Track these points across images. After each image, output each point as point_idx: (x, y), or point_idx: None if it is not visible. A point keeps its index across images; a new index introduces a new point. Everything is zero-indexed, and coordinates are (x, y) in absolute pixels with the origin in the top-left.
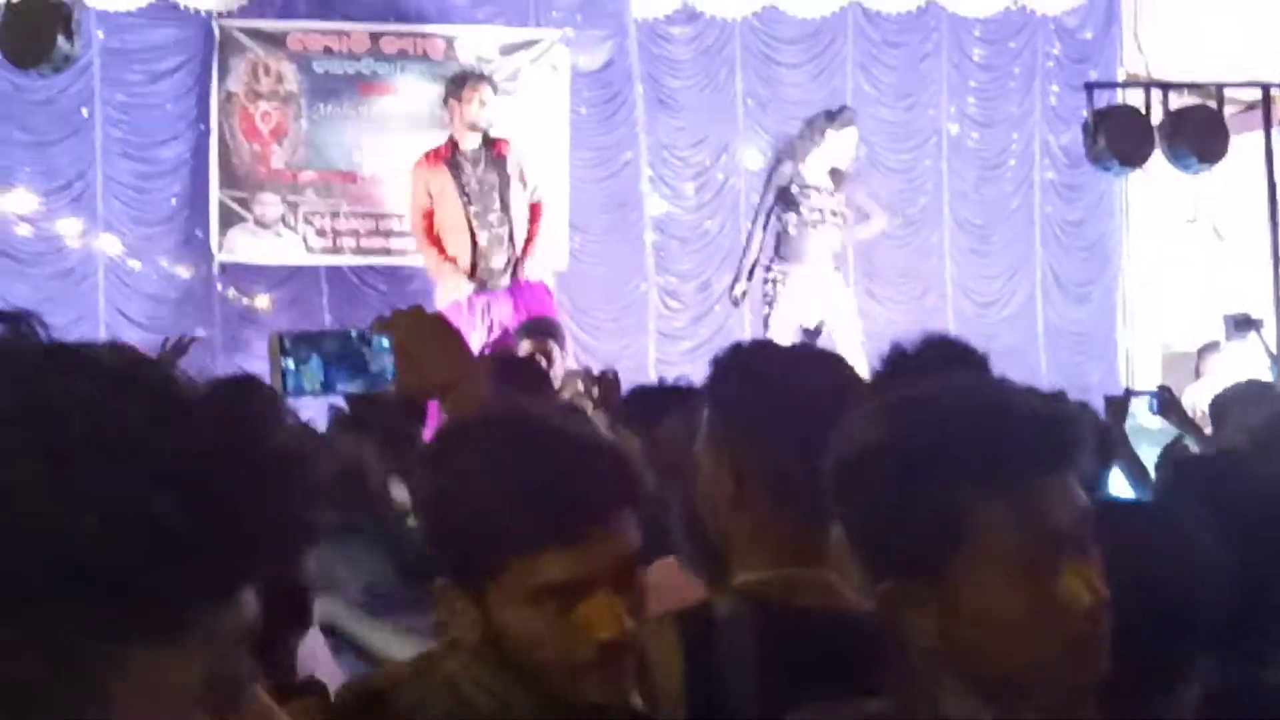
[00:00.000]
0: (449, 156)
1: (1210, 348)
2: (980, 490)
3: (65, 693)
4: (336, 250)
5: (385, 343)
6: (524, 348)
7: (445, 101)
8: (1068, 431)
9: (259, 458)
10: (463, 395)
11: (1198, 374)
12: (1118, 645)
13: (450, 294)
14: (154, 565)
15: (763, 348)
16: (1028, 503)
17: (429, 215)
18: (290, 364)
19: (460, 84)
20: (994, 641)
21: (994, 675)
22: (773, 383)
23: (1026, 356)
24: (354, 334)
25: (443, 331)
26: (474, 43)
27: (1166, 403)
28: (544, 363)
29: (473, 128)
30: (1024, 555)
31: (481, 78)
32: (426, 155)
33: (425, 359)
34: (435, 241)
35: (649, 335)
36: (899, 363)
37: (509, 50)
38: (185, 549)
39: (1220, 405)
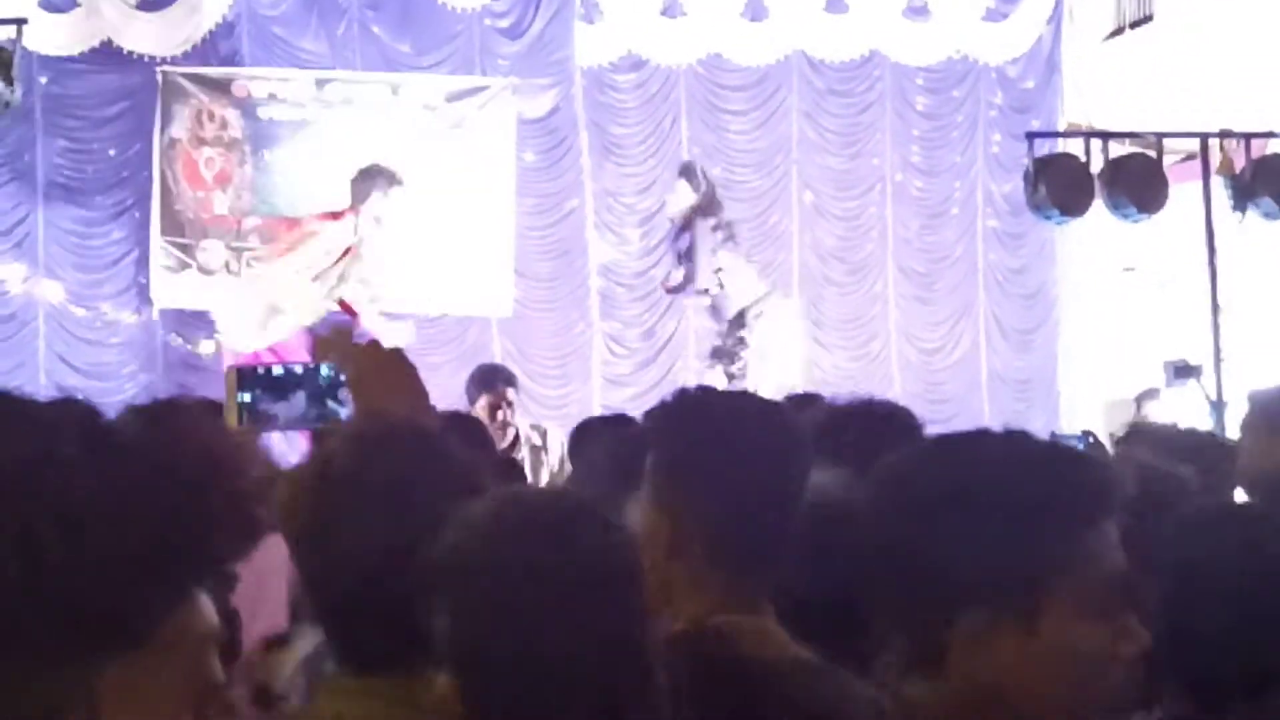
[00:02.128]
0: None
1: (1149, 394)
2: (1071, 530)
3: (55, 715)
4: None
5: (341, 377)
6: (482, 403)
7: (368, 193)
8: (1117, 477)
9: (182, 472)
10: None
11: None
12: None
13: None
14: (101, 587)
15: (704, 395)
16: (1101, 544)
17: None
18: (247, 398)
19: (390, 184)
20: (1070, 676)
21: (1059, 709)
22: (712, 432)
23: (970, 403)
24: (311, 369)
25: (397, 367)
26: (419, 90)
27: (1091, 448)
28: (506, 413)
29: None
30: (1102, 595)
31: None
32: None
33: (378, 395)
34: None
35: (594, 381)
36: (837, 422)
37: (454, 97)
38: (127, 567)
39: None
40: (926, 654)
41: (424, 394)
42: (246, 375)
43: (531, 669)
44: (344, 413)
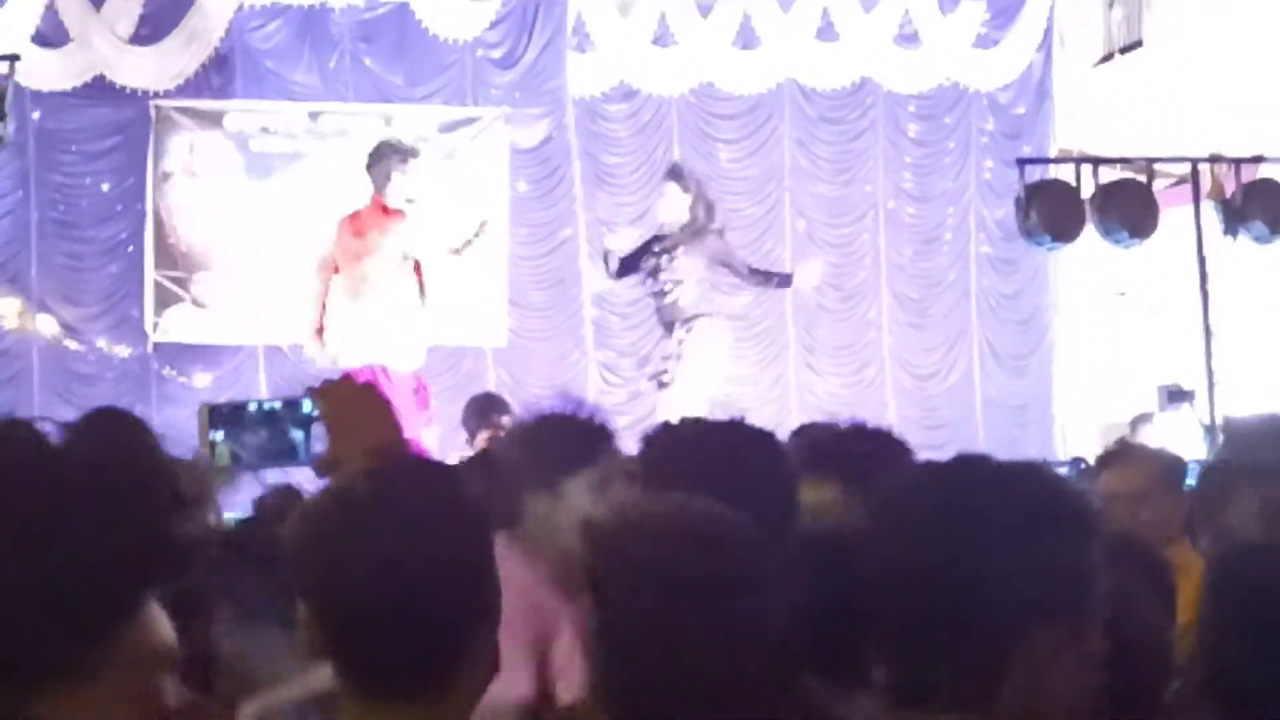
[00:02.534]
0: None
1: (1143, 418)
2: (1096, 543)
3: None
4: (275, 329)
5: (315, 414)
6: (484, 436)
7: (388, 173)
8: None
9: (114, 485)
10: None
11: None
12: None
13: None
14: (28, 608)
15: (692, 426)
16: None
17: None
18: (220, 436)
19: (404, 159)
20: (1098, 685)
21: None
22: (701, 462)
23: (965, 428)
24: (285, 405)
25: (371, 402)
26: (412, 121)
27: (1083, 474)
28: None
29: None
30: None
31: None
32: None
33: (352, 430)
34: None
35: None
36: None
37: (447, 128)
38: (56, 587)
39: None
40: (975, 682)
41: (399, 429)
42: (218, 413)
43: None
44: (317, 449)
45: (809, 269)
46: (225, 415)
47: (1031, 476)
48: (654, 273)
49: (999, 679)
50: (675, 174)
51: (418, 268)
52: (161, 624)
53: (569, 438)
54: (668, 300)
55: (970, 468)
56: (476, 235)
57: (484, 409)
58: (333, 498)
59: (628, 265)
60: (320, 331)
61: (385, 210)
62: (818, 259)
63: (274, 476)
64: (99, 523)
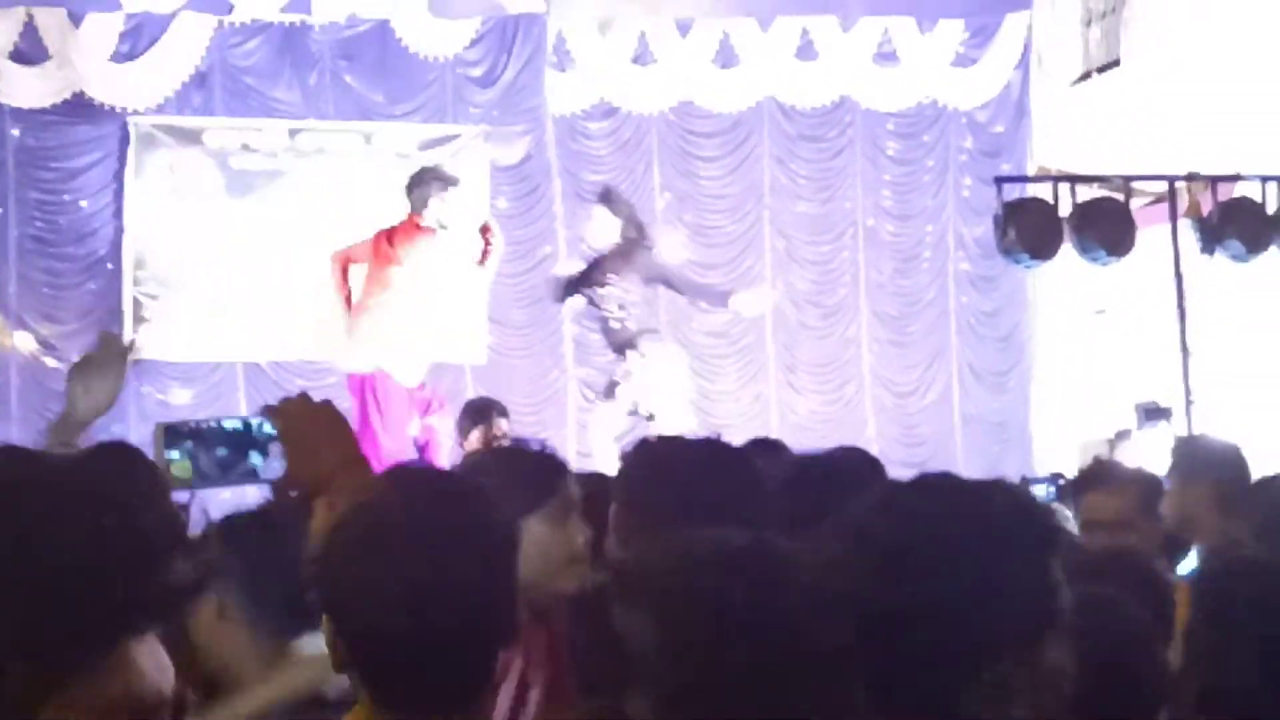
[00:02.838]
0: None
1: (1123, 435)
2: (1055, 567)
3: None
4: (254, 346)
5: (272, 431)
6: (476, 436)
7: (426, 198)
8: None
9: (108, 528)
10: (347, 485)
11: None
12: None
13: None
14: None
15: (669, 444)
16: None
17: None
18: (175, 455)
19: (444, 186)
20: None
21: None
22: (678, 481)
23: (944, 446)
24: (242, 425)
25: (329, 420)
26: (392, 138)
27: (1063, 490)
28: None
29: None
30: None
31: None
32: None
33: (310, 448)
34: None
35: (568, 427)
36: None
37: (427, 145)
38: (30, 625)
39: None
40: (932, 705)
41: (356, 444)
42: (174, 432)
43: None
44: (276, 468)
45: (752, 297)
46: (181, 435)
47: (991, 496)
48: (593, 297)
49: (955, 699)
50: (605, 197)
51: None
52: (141, 672)
53: (525, 472)
54: (612, 323)
55: (927, 492)
56: (489, 244)
57: (482, 412)
58: (363, 517)
59: (569, 288)
60: (353, 307)
61: (418, 227)
62: (767, 286)
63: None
64: (81, 564)
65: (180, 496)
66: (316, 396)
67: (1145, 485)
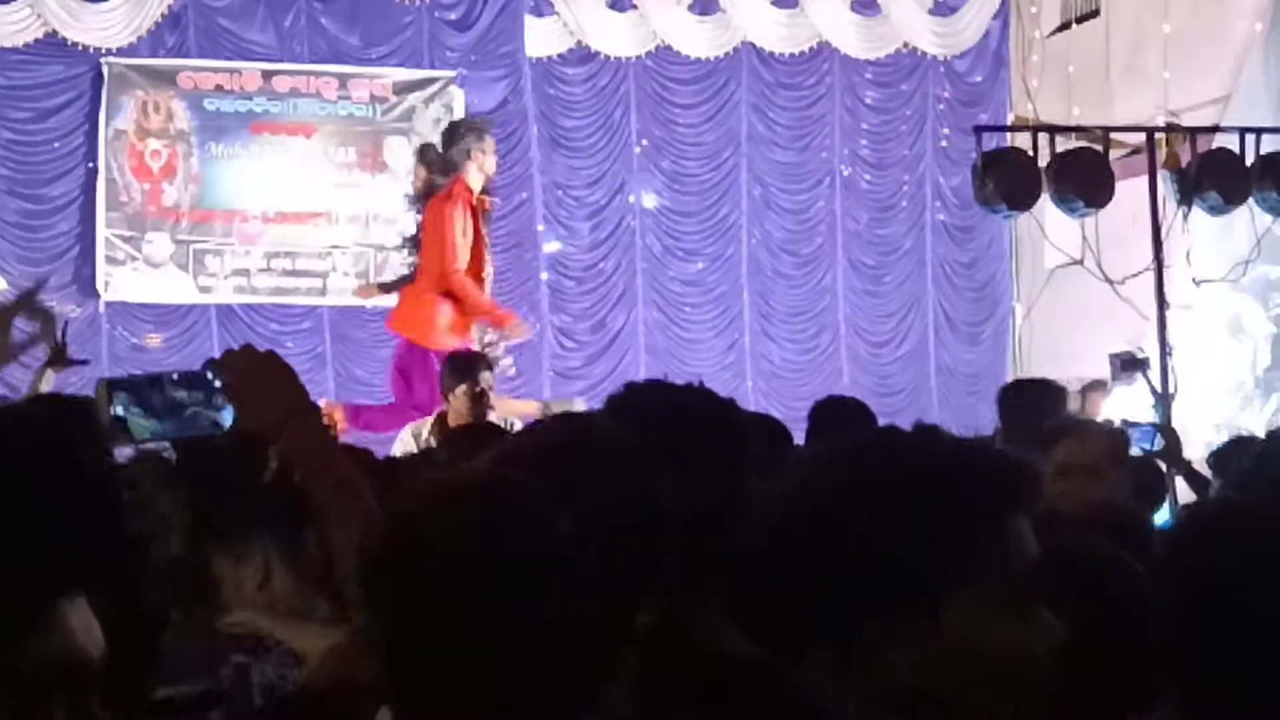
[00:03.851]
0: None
1: (1094, 386)
2: (970, 528)
3: None
4: (226, 289)
5: (218, 384)
6: (462, 390)
7: (467, 150)
8: (1026, 470)
9: (62, 479)
10: (297, 434)
11: (1082, 412)
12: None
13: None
14: None
15: (655, 388)
16: (1007, 539)
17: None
18: (119, 411)
19: (480, 135)
20: (980, 675)
21: (976, 711)
22: (663, 422)
23: (919, 396)
24: (186, 376)
25: (275, 370)
26: (368, 83)
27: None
28: (488, 401)
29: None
30: (1011, 591)
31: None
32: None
33: (257, 399)
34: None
35: (544, 374)
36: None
37: (402, 90)
38: None
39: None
40: (843, 664)
41: (304, 393)
42: (118, 387)
43: None
44: (225, 419)
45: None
46: (125, 389)
47: (938, 450)
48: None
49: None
50: (421, 154)
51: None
52: (73, 633)
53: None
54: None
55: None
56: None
57: (469, 367)
58: (432, 520)
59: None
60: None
61: (464, 186)
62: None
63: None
64: (14, 518)
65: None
66: (289, 339)
67: (1113, 435)
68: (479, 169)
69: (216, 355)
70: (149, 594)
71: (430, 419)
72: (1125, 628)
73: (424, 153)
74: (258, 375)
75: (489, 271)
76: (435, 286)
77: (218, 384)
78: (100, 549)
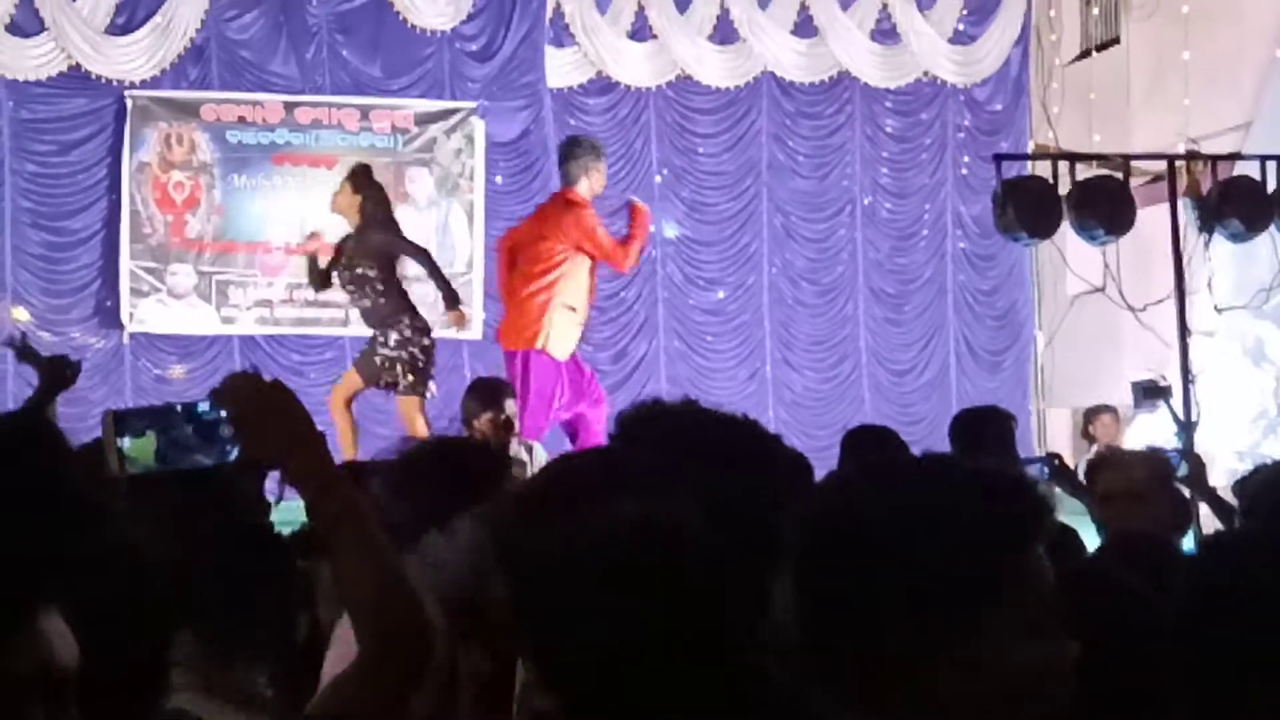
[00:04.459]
0: None
1: (1098, 410)
2: (998, 558)
3: None
4: (249, 320)
5: (223, 414)
6: (486, 419)
7: (585, 167)
8: (1045, 502)
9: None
10: (301, 465)
11: (1086, 434)
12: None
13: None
14: None
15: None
16: (1031, 568)
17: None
18: (126, 443)
19: (598, 155)
20: (1014, 700)
21: None
22: (682, 442)
23: (941, 424)
24: (193, 408)
25: (278, 398)
26: (389, 113)
27: (1057, 470)
28: (508, 429)
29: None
30: (1037, 617)
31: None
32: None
33: (262, 427)
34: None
35: None
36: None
37: (424, 120)
38: None
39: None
40: (867, 687)
41: (308, 420)
42: (124, 419)
43: None
44: (231, 450)
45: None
46: (130, 420)
47: (947, 480)
48: (343, 280)
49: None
50: (352, 176)
51: (593, 269)
52: (50, 645)
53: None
54: (364, 304)
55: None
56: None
57: (494, 395)
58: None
59: (326, 278)
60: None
61: (573, 202)
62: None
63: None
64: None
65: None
66: (313, 371)
67: (1157, 461)
68: (590, 187)
69: None
70: (136, 606)
71: None
72: (1133, 656)
73: (356, 176)
74: (261, 403)
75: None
76: (543, 291)
77: (222, 414)
78: (79, 556)
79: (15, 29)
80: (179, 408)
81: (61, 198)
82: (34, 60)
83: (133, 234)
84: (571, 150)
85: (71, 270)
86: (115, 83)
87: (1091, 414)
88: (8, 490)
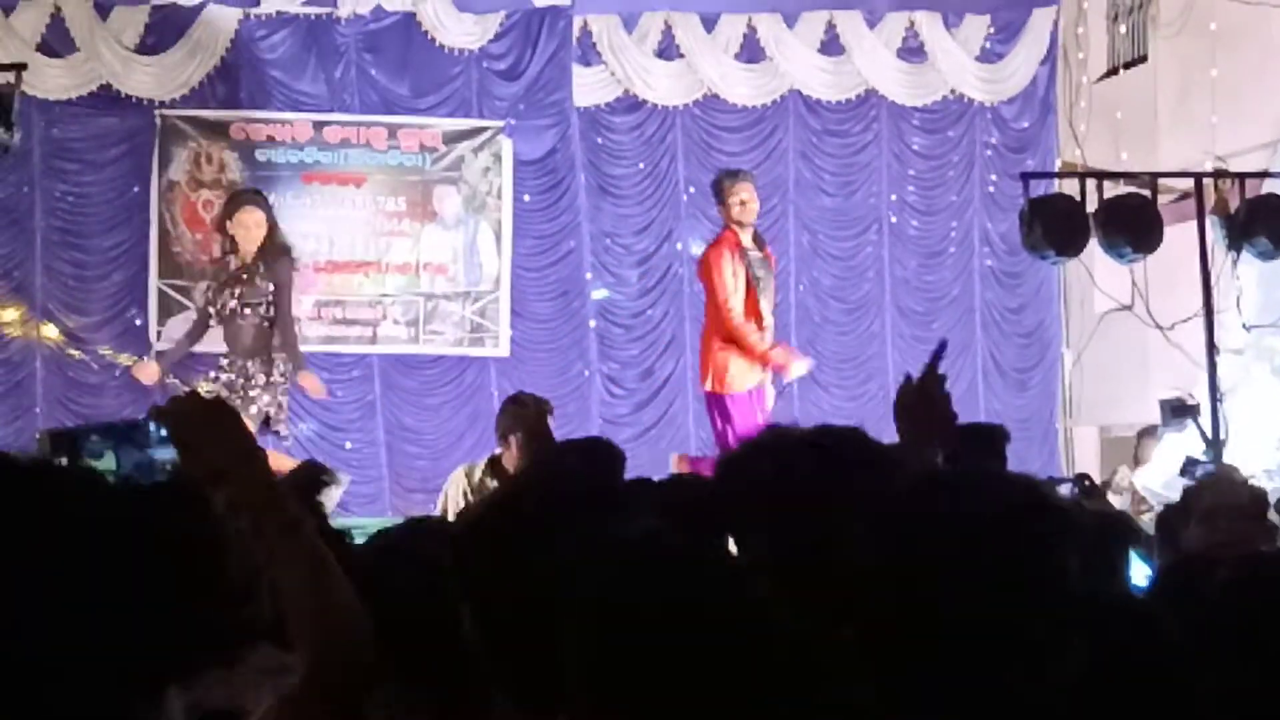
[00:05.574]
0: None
1: (1148, 432)
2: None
3: None
4: None
5: (162, 432)
6: (515, 439)
7: (723, 189)
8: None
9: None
10: (243, 482)
11: (1136, 458)
12: None
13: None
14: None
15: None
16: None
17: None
18: (63, 462)
19: (734, 177)
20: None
21: None
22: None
23: None
24: (128, 425)
25: (218, 416)
26: (417, 132)
27: (1087, 490)
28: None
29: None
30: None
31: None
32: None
33: (201, 445)
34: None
35: (593, 422)
36: None
37: (452, 139)
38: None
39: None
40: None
41: (249, 438)
42: (59, 438)
43: None
44: (165, 462)
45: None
46: (65, 441)
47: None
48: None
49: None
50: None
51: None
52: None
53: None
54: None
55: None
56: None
57: (527, 410)
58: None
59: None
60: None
61: (714, 242)
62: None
63: None
64: (117, 602)
65: None
66: (340, 388)
67: (1258, 489)
68: (734, 213)
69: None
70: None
71: (482, 461)
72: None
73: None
74: (201, 422)
75: (769, 323)
76: (718, 333)
77: (161, 432)
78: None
79: (46, 49)
80: (117, 424)
81: (91, 217)
82: (65, 80)
83: (161, 253)
84: (714, 189)
85: (101, 289)
86: (145, 102)
87: (1144, 434)
88: (167, 564)
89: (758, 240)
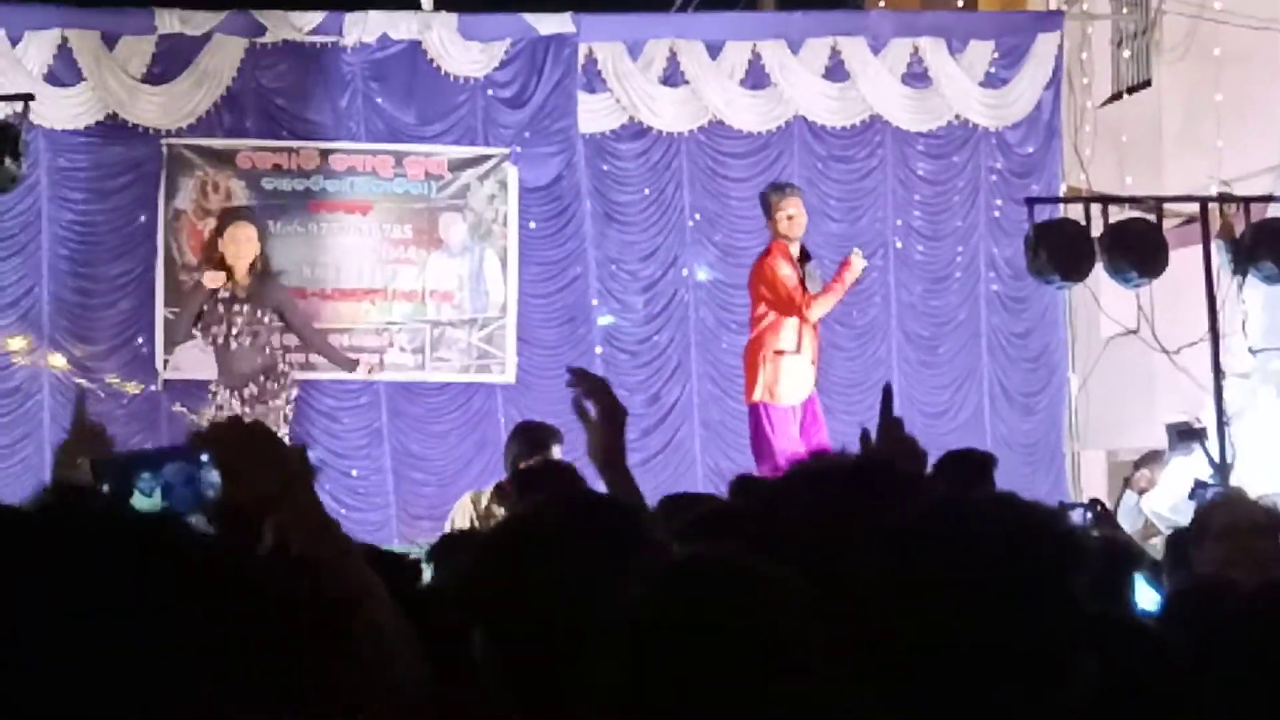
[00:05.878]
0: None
1: (1150, 458)
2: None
3: None
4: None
5: (204, 458)
6: (534, 464)
7: (770, 203)
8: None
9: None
10: (293, 508)
11: (1128, 482)
12: None
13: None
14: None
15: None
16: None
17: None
18: (107, 490)
19: (781, 192)
20: None
21: None
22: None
23: None
24: (173, 453)
25: (264, 442)
26: (423, 160)
27: (1098, 515)
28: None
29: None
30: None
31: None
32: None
33: (249, 471)
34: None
35: None
36: None
37: (457, 167)
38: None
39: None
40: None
41: (294, 463)
42: (104, 466)
43: None
44: (209, 493)
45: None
46: (111, 469)
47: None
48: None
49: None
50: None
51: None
52: None
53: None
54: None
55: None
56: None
57: (541, 440)
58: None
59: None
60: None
61: (777, 242)
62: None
63: None
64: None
65: None
66: (346, 415)
67: (1271, 509)
68: (782, 228)
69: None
70: None
71: (489, 488)
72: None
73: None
74: (247, 447)
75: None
76: (768, 342)
77: (204, 458)
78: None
79: (53, 79)
80: (168, 452)
81: (98, 245)
82: (72, 110)
83: (168, 281)
84: (761, 202)
85: (108, 317)
86: (151, 131)
87: (1144, 462)
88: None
89: (805, 255)
